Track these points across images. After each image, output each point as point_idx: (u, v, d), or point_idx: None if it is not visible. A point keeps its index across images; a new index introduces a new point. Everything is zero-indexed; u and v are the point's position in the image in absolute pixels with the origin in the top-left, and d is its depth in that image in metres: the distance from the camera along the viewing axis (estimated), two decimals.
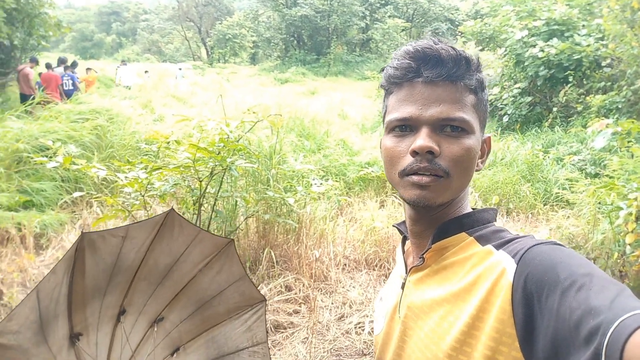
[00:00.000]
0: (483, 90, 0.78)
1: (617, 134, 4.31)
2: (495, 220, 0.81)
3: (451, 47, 0.75)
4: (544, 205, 6.60)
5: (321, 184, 3.78)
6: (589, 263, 0.59)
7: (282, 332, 3.23)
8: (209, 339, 1.80)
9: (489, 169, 7.54)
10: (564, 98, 9.92)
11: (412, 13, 36.64)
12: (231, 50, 40.69)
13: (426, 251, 0.78)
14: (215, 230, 3.98)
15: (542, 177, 7.22)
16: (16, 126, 4.90)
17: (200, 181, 3.53)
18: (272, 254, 3.79)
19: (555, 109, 10.12)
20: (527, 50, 10.45)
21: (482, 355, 0.63)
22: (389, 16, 33.83)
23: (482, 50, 15.78)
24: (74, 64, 12.02)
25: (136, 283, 1.57)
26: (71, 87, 10.43)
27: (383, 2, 34.76)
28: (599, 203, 4.42)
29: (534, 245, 0.64)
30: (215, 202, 3.76)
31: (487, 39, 14.14)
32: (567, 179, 6.81)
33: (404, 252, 0.92)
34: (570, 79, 9.86)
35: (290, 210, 4.22)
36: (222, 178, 3.70)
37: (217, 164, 3.44)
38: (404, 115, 0.74)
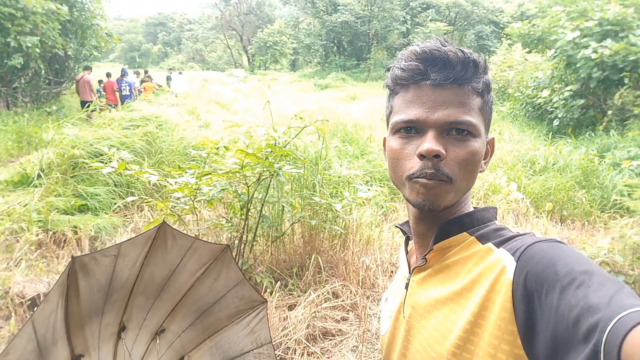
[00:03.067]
0: (489, 92, 0.78)
1: None
2: (496, 219, 0.82)
3: (459, 49, 0.74)
4: (601, 212, 6.27)
5: (368, 189, 3.72)
6: (589, 260, 0.60)
7: (331, 340, 3.18)
8: (212, 345, 1.81)
9: (540, 175, 7.25)
10: (620, 101, 9.43)
11: (454, 16, 36.05)
12: (272, 58, 41.31)
13: (428, 252, 0.79)
14: (262, 236, 3.99)
15: (598, 183, 6.87)
16: (72, 133, 5.12)
17: (248, 186, 3.55)
18: (320, 260, 3.75)
19: (609, 112, 9.64)
20: (579, 52, 10.01)
21: (485, 353, 0.63)
22: (431, 20, 33.41)
23: (529, 52, 15.29)
24: (124, 72, 12.73)
25: (133, 299, 1.57)
26: (128, 93, 11.17)
27: (424, 6, 34.38)
28: None
29: (534, 243, 0.65)
30: (262, 207, 3.76)
31: (536, 41, 13.66)
32: (626, 185, 6.45)
33: (407, 252, 0.93)
34: (626, 81, 9.36)
35: (335, 216, 4.19)
36: (269, 183, 3.70)
37: (264, 169, 3.45)
38: (411, 117, 0.74)
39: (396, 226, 0.98)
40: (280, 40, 40.55)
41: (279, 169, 3.45)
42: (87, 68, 11.93)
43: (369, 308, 3.60)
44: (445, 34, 33.38)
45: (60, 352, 1.38)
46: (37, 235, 4.03)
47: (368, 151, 7.18)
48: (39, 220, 4.22)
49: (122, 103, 10.52)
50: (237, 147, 3.40)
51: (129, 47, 59.03)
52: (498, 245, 0.71)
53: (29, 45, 10.57)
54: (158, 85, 14.99)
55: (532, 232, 0.71)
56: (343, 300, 3.65)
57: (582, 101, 10.32)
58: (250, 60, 43.80)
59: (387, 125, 0.84)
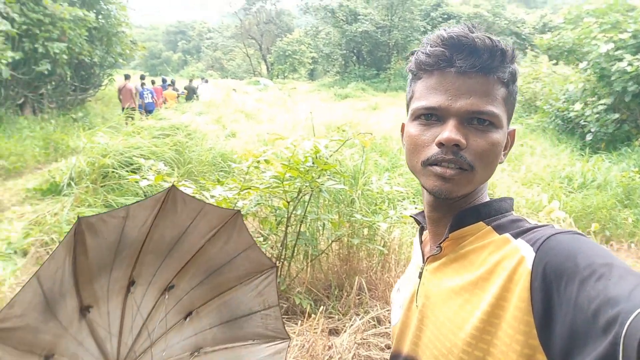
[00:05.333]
0: (514, 82, 0.76)
1: None
2: (513, 210, 0.80)
3: (487, 36, 0.71)
4: None
5: (415, 207, 3.52)
6: (609, 253, 0.58)
7: None
8: (221, 303, 1.83)
9: (580, 192, 6.96)
10: None
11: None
12: (290, 67, 41.40)
13: (443, 240, 0.78)
14: (300, 254, 3.81)
15: None
16: (103, 141, 5.02)
17: (288, 202, 3.38)
18: (363, 282, 3.55)
19: None
20: (614, 65, 9.70)
21: (502, 343, 0.63)
22: None
23: (555, 64, 14.95)
24: (142, 78, 13.29)
25: (143, 256, 1.58)
26: (151, 101, 11.38)
27: (445, 16, 34.15)
28: None
29: (554, 234, 0.64)
30: (300, 224, 3.59)
31: (566, 53, 13.33)
32: None
33: (421, 242, 0.91)
34: None
35: (373, 234, 3.99)
36: (310, 199, 3.53)
37: (306, 184, 3.28)
38: (432, 104, 0.72)
39: (410, 215, 0.99)
40: (299, 49, 40.65)
41: (322, 184, 3.28)
42: (127, 77, 12.38)
43: None
44: None
45: (68, 302, 1.41)
46: None
47: (399, 164, 6.97)
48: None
49: (147, 111, 10.71)
50: (277, 159, 3.23)
51: (150, 55, 59.82)
52: (516, 236, 0.69)
53: (57, 51, 10.63)
54: (180, 92, 15.15)
55: (551, 224, 0.69)
56: (387, 327, 3.45)
57: (616, 115, 9.98)
58: (269, 69, 44.00)
59: (407, 110, 0.81)
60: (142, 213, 1.45)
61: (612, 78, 9.80)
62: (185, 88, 15.58)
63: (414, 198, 5.99)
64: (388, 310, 3.54)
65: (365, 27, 31.66)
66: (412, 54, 0.79)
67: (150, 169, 4.10)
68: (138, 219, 1.45)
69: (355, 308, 3.63)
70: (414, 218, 0.93)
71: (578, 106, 10.83)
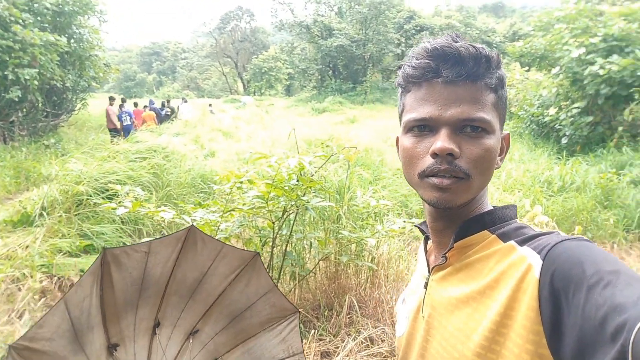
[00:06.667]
0: (503, 87, 0.76)
1: None
2: (517, 217, 0.80)
3: (471, 45, 0.72)
4: (626, 233, 6.01)
5: (404, 221, 3.44)
6: (616, 260, 0.58)
7: None
8: (245, 350, 1.81)
9: (560, 195, 7.01)
10: (630, 117, 9.28)
11: None
12: (267, 83, 41.49)
13: (448, 250, 0.77)
14: (287, 274, 3.69)
15: (619, 202, 6.63)
16: (77, 168, 4.83)
17: (273, 222, 3.27)
18: (354, 301, 3.44)
19: (620, 129, 9.48)
20: (586, 68, 9.90)
21: (511, 353, 0.62)
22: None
23: (527, 70, 15.25)
24: (123, 101, 13.15)
25: (167, 297, 1.60)
26: (129, 122, 11.37)
27: (418, 28, 34.73)
28: None
29: (560, 242, 0.63)
30: (287, 244, 3.47)
31: (538, 59, 13.61)
32: None
33: (426, 252, 0.91)
34: (637, 96, 9.23)
35: (361, 249, 3.89)
36: (295, 217, 3.42)
37: (292, 203, 3.17)
38: (423, 115, 0.72)
39: (415, 225, 0.97)
40: (275, 65, 40.80)
41: (307, 202, 3.18)
42: (111, 99, 12.39)
43: None
44: None
45: (96, 337, 1.41)
46: (41, 281, 3.71)
47: (381, 176, 6.92)
48: (42, 265, 3.90)
49: (127, 133, 10.66)
50: (262, 179, 3.13)
51: (124, 77, 59.15)
52: (521, 243, 0.69)
53: (27, 77, 10.37)
54: (165, 112, 15.07)
55: (556, 231, 0.69)
56: (379, 345, 3.34)
57: (590, 118, 10.16)
58: (246, 87, 43.98)
59: (400, 123, 0.81)
60: (164, 250, 1.47)
61: (585, 82, 10.00)
62: (167, 107, 15.51)
63: (399, 211, 5.94)
64: (381, 329, 3.44)
65: (340, 41, 31.95)
66: (399, 68, 0.79)
67: (127, 195, 3.95)
68: (160, 256, 1.46)
69: (346, 328, 3.51)
70: (419, 228, 0.93)
71: (552, 111, 11.01)
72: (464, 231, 0.77)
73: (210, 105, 20.73)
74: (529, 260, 0.64)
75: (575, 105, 10.47)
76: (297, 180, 3.11)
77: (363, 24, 32.97)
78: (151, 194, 5.13)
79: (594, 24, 10.65)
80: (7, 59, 10.26)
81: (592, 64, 9.90)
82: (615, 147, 9.23)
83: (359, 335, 3.29)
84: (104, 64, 14.66)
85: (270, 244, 3.37)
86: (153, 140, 6.16)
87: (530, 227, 0.75)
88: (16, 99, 10.57)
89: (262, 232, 3.55)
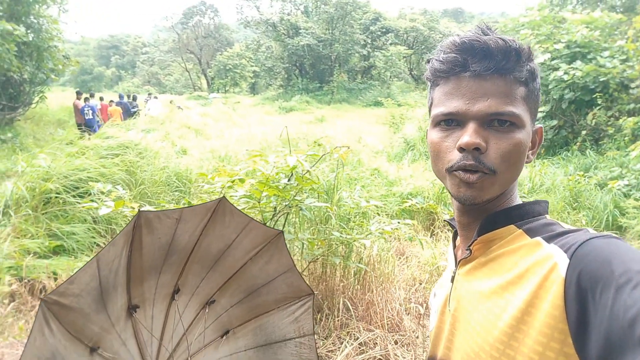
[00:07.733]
0: (534, 80, 0.75)
1: None
2: (547, 213, 0.78)
3: (500, 38, 0.71)
4: None
5: (399, 222, 3.39)
6: None
7: None
8: (257, 326, 1.84)
9: (530, 196, 7.18)
10: (593, 121, 9.66)
11: (412, 40, 37.01)
12: (231, 81, 40.89)
13: (472, 243, 0.77)
14: None
15: (588, 204, 6.86)
16: (45, 164, 4.51)
17: (265, 224, 3.14)
18: (348, 303, 3.36)
19: (583, 132, 9.85)
20: (551, 74, 10.24)
21: (532, 350, 0.61)
22: (390, 43, 34.06)
23: None
24: (92, 95, 13.00)
25: (190, 265, 1.62)
26: (91, 117, 10.98)
27: (384, 30, 35.08)
28: None
29: (588, 240, 0.62)
30: None
31: None
32: (616, 207, 6.47)
33: (455, 247, 0.91)
34: (599, 101, 9.61)
35: (349, 251, 3.82)
36: (287, 218, 3.31)
37: (285, 203, 3.07)
38: (451, 109, 0.72)
39: (445, 220, 0.98)
40: (240, 63, 40.25)
41: (301, 201, 3.08)
42: (78, 93, 12.14)
43: (402, 356, 3.23)
44: (404, 57, 34.15)
45: (119, 297, 1.44)
46: (10, 284, 3.44)
47: (359, 176, 6.88)
48: (11, 267, 3.61)
49: (89, 127, 10.22)
50: (255, 178, 3.00)
51: (81, 71, 56.79)
52: (548, 240, 0.67)
53: None
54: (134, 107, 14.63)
55: (586, 229, 0.67)
56: (371, 347, 3.27)
57: (554, 122, 10.51)
58: (210, 84, 43.19)
59: (429, 117, 0.81)
60: (194, 219, 1.49)
61: (550, 87, 10.34)
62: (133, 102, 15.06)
63: (377, 211, 5.91)
64: (368, 329, 3.38)
65: (307, 40, 31.86)
66: (428, 62, 0.79)
67: (103, 192, 3.73)
68: (189, 224, 1.49)
69: (337, 331, 3.43)
70: (449, 223, 0.92)
71: None
72: (489, 225, 0.76)
73: (171, 102, 20.13)
74: (555, 258, 0.63)
75: (540, 109, 10.80)
76: (289, 180, 3.00)
77: (330, 23, 33.02)
78: (125, 191, 4.87)
79: (557, 31, 11.03)
80: None
81: (556, 69, 10.25)
82: (579, 151, 9.58)
83: (350, 339, 3.22)
84: (63, 55, 13.98)
85: None
86: (123, 137, 5.87)
87: (560, 223, 0.73)
88: None
89: None
